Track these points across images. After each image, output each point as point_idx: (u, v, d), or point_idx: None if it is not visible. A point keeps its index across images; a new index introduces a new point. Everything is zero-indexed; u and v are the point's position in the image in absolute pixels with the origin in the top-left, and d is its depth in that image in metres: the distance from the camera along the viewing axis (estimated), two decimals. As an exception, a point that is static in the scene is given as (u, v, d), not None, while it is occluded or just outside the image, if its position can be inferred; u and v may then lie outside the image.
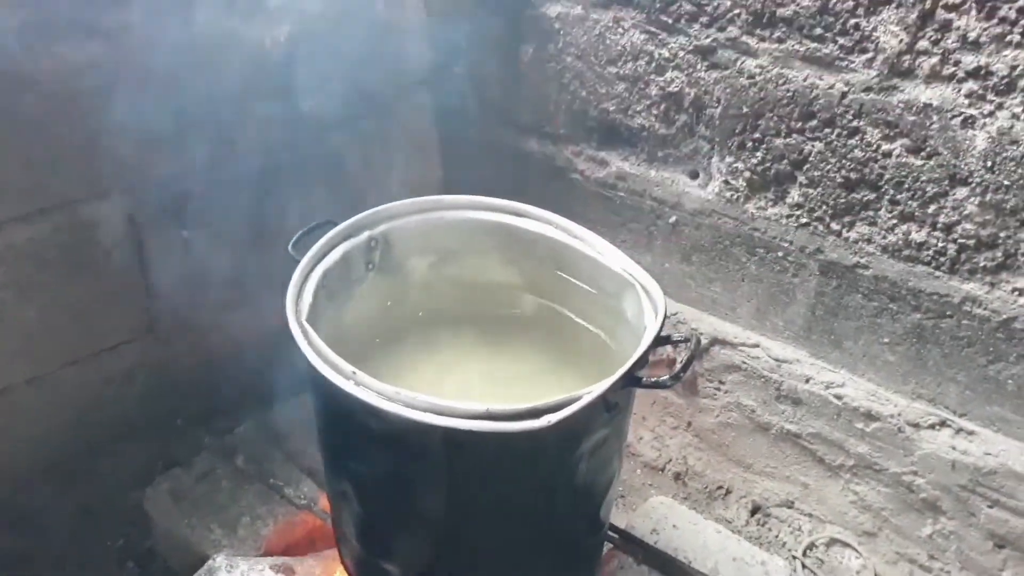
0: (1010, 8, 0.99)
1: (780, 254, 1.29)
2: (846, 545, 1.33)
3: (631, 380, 0.87)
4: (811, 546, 1.34)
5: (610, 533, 1.17)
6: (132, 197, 1.26)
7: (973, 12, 1.01)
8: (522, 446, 0.87)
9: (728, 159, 1.28)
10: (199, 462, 1.28)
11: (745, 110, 1.23)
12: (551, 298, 1.14)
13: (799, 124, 1.19)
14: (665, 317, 0.94)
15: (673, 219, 1.39)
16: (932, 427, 1.21)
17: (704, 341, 1.40)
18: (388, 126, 1.57)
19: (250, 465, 1.28)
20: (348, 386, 0.86)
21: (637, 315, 1.01)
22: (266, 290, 1.43)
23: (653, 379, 0.88)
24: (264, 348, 1.42)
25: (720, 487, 1.44)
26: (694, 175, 1.34)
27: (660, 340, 0.93)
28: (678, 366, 0.90)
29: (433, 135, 1.66)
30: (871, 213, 1.17)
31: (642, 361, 0.89)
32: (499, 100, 1.55)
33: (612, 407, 0.89)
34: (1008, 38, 1.00)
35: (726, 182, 1.30)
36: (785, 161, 1.22)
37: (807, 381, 1.31)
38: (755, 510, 1.40)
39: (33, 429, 1.27)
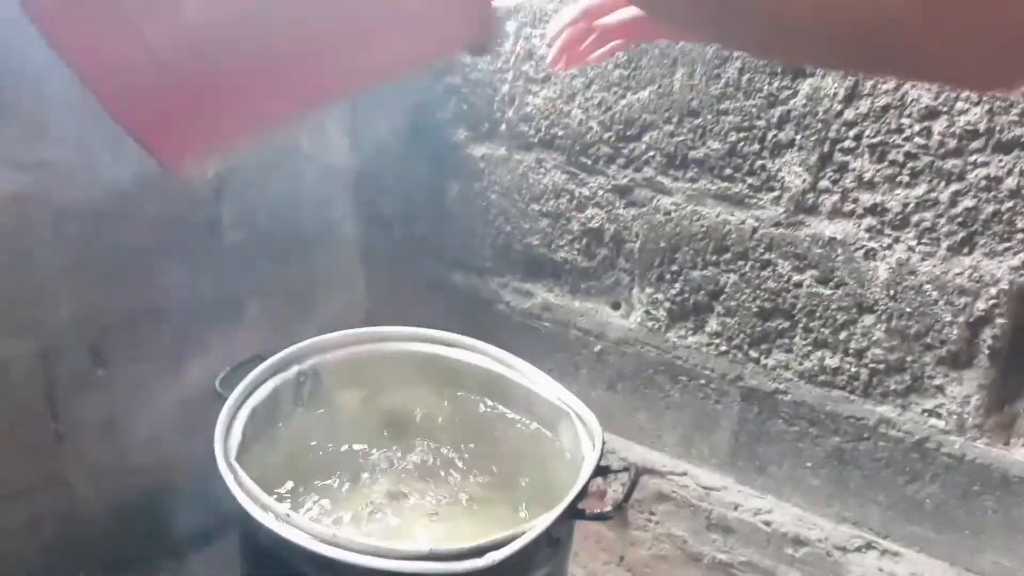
0: (898, 152, 1.08)
1: (702, 381, 1.33)
2: (784, 676, 1.31)
3: (574, 513, 0.87)
4: None
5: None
6: (47, 334, 1.22)
7: (866, 155, 1.11)
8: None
9: (648, 290, 1.33)
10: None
11: (663, 244, 1.29)
12: (485, 428, 1.14)
13: (714, 257, 1.25)
14: (603, 447, 0.95)
15: (598, 348, 1.42)
16: (859, 549, 1.23)
17: (632, 473, 1.40)
18: (314, 260, 1.58)
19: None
20: (282, 529, 0.82)
21: (573, 444, 1.02)
22: (185, 429, 1.39)
23: (596, 511, 0.87)
24: (181, 493, 1.36)
25: (655, 620, 1.41)
26: (616, 306, 1.39)
27: (599, 470, 0.94)
28: (610, 496, 0.90)
29: (359, 270, 1.67)
30: (787, 340, 1.23)
31: (583, 493, 0.89)
32: (425, 235, 1.59)
33: (555, 542, 0.88)
34: (898, 178, 1.10)
35: (647, 312, 1.35)
36: (702, 292, 1.28)
37: (736, 508, 1.32)
38: (691, 643, 1.38)
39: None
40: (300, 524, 0.82)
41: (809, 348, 1.21)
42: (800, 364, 1.23)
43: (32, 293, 1.17)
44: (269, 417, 1.03)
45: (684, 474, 1.38)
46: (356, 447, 1.13)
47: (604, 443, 0.98)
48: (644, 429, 1.41)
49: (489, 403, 1.11)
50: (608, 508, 0.88)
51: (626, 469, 0.96)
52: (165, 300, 1.34)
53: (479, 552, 0.80)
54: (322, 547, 0.80)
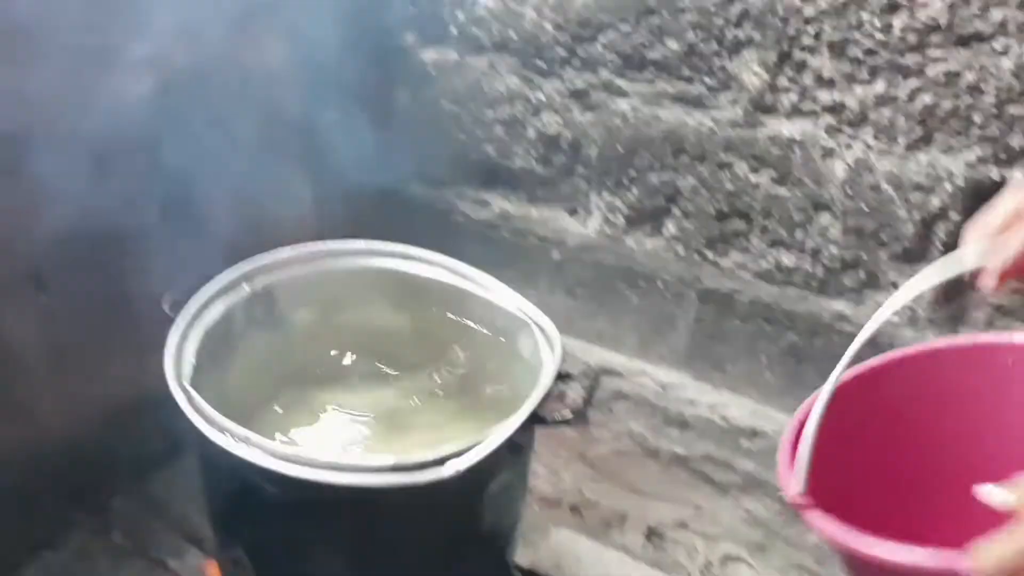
0: (857, 49, 1.06)
1: (660, 285, 1.33)
2: (740, 560, 1.36)
3: (535, 419, 0.88)
4: (707, 564, 1.37)
5: (515, 573, 1.16)
6: (-17, 260, 1.17)
7: (825, 53, 1.09)
8: (428, 496, 0.85)
9: (606, 196, 1.32)
10: (71, 541, 1.19)
11: (620, 149, 1.27)
12: (443, 340, 1.13)
13: (672, 160, 1.24)
14: (562, 354, 0.95)
15: (556, 256, 1.41)
16: (812, 441, 1.27)
17: (592, 375, 1.42)
18: (260, 175, 1.53)
19: (128, 540, 1.19)
20: (241, 450, 0.82)
21: (533, 353, 1.02)
22: (137, 352, 1.37)
23: (557, 417, 0.88)
24: (138, 413, 1.34)
25: (616, 514, 1.45)
26: (574, 212, 1.37)
27: (559, 376, 0.94)
28: (571, 399, 0.91)
29: (308, 181, 1.62)
30: (744, 241, 1.23)
31: (544, 399, 0.89)
32: (376, 145, 1.54)
33: (516, 448, 0.89)
34: (858, 76, 1.08)
35: (605, 218, 1.33)
36: (660, 196, 1.27)
37: (691, 403, 1.35)
38: (651, 534, 1.42)
39: None
40: (259, 444, 0.81)
41: (766, 248, 1.22)
42: (757, 264, 1.23)
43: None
44: (223, 339, 1.00)
45: (643, 373, 1.40)
46: (313, 366, 1.12)
47: (563, 350, 0.98)
48: (603, 333, 1.42)
49: (449, 316, 1.10)
50: (568, 414, 0.89)
51: (584, 374, 0.96)
52: (105, 221, 1.29)
53: (440, 462, 0.80)
54: (283, 465, 0.80)
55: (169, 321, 0.96)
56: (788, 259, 1.20)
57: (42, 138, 1.17)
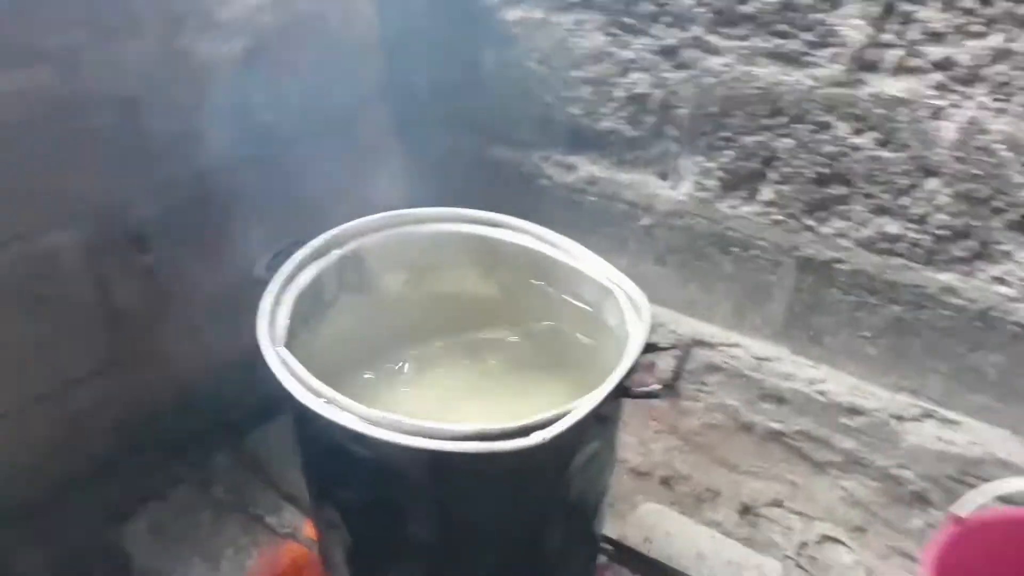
0: (971, -2, 0.99)
1: (755, 252, 1.28)
2: (837, 541, 1.32)
3: (621, 391, 0.86)
4: (803, 544, 1.33)
5: (603, 545, 1.16)
6: (91, 225, 1.21)
7: (934, 3, 1.01)
8: (513, 465, 0.84)
9: (698, 159, 1.28)
10: (177, 495, 1.24)
11: (713, 109, 1.23)
12: (530, 308, 1.12)
13: (768, 121, 1.19)
14: (651, 325, 0.93)
15: (646, 221, 1.38)
16: (916, 419, 1.21)
17: (684, 344, 1.39)
18: (349, 140, 1.54)
19: (229, 495, 1.24)
20: (331, 413, 0.83)
21: (620, 322, 0.99)
22: (233, 313, 1.41)
23: (644, 389, 0.86)
24: (236, 372, 1.38)
25: (708, 489, 1.42)
26: (664, 176, 1.33)
27: (648, 348, 0.92)
28: (663, 373, 0.89)
29: (395, 147, 1.63)
30: (845, 207, 1.17)
31: (631, 371, 0.87)
32: (460, 109, 1.53)
33: (603, 419, 0.87)
34: (970, 28, 1.00)
35: (697, 182, 1.29)
36: (756, 159, 1.22)
37: (789, 378, 1.30)
38: (744, 511, 1.39)
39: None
40: (348, 407, 0.82)
41: (869, 215, 1.16)
42: (859, 232, 1.17)
43: (72, 186, 1.17)
44: (314, 302, 1.02)
45: (736, 345, 1.36)
46: (402, 329, 1.12)
47: (652, 320, 0.95)
48: (695, 302, 1.39)
49: (535, 282, 1.09)
50: (656, 387, 0.87)
51: (674, 346, 0.93)
52: (202, 186, 1.33)
53: (525, 431, 0.80)
54: (371, 428, 0.81)
55: (263, 284, 0.98)
56: (892, 227, 1.14)
57: (142, 105, 1.21)
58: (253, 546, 1.17)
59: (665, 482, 1.47)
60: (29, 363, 1.20)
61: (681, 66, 1.23)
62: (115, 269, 1.26)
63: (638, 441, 1.50)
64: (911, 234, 1.13)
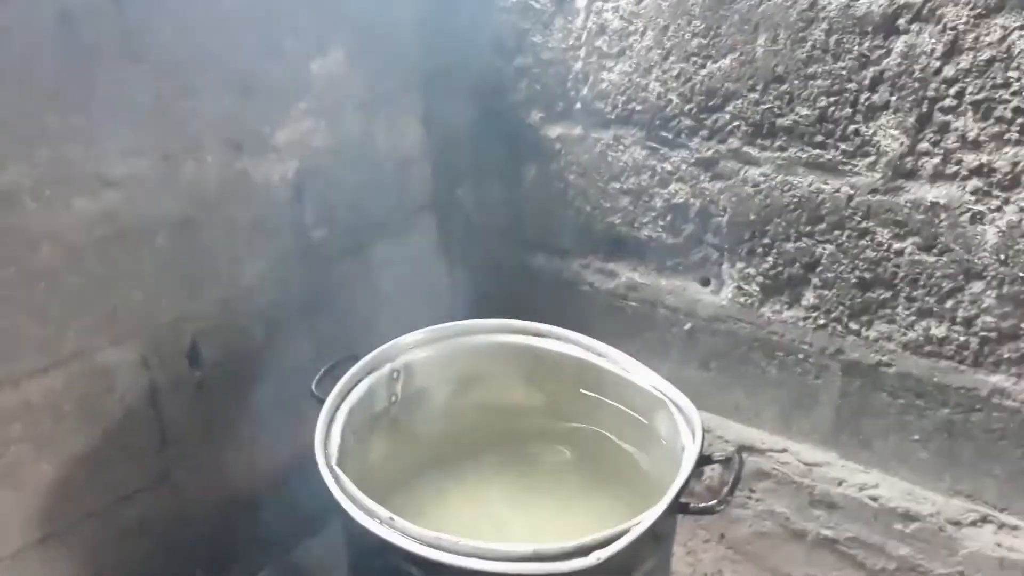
0: (1005, 108, 1.01)
1: (800, 356, 1.28)
2: (898, 653, 1.27)
3: (678, 507, 0.86)
4: (861, 657, 1.28)
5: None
6: (145, 341, 1.25)
7: (969, 113, 1.04)
8: (570, 583, 0.83)
9: (739, 265, 1.29)
10: (222, 613, 1.23)
11: (752, 217, 1.25)
12: (577, 418, 1.12)
13: (808, 228, 1.20)
14: (704, 437, 0.93)
15: (688, 326, 1.39)
16: (974, 524, 1.18)
17: (730, 450, 1.38)
18: (394, 252, 1.59)
19: (275, 612, 1.23)
20: (385, 533, 0.83)
21: (671, 433, 1.00)
22: (281, 427, 1.42)
23: (701, 505, 0.86)
24: (282, 486, 1.39)
25: (759, 599, 1.39)
26: (706, 282, 1.35)
27: (702, 460, 0.92)
28: (708, 477, 0.88)
29: (440, 258, 1.67)
30: (889, 311, 1.18)
31: (686, 485, 0.87)
32: (504, 219, 1.57)
33: (659, 537, 0.87)
34: (1006, 136, 1.03)
35: (739, 287, 1.31)
36: (797, 265, 1.23)
37: (840, 484, 1.28)
38: (798, 621, 1.35)
39: (47, 590, 1.22)
40: (403, 528, 0.83)
41: (913, 318, 1.16)
42: (904, 335, 1.17)
43: (129, 304, 1.21)
44: (365, 416, 1.04)
45: (784, 451, 1.34)
46: (451, 440, 1.13)
47: (705, 432, 0.95)
48: (740, 407, 1.38)
49: (582, 392, 1.10)
50: (714, 504, 0.86)
51: (729, 459, 0.93)
52: (255, 302, 1.37)
53: (584, 551, 0.79)
54: (426, 550, 0.81)
55: (313, 398, 1.00)
56: (939, 329, 1.14)
57: (200, 225, 1.26)
58: (301, 665, 1.15)
59: (716, 593, 1.43)
60: (82, 479, 1.21)
61: (719, 177, 1.27)
62: (167, 384, 1.29)
63: (686, 551, 1.47)
64: (958, 336, 1.13)
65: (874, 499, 1.25)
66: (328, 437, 0.95)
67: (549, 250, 1.53)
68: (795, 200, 1.20)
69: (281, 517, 1.34)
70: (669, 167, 1.31)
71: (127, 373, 1.24)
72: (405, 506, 1.07)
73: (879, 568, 1.28)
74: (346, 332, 1.45)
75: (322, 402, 0.99)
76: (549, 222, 1.50)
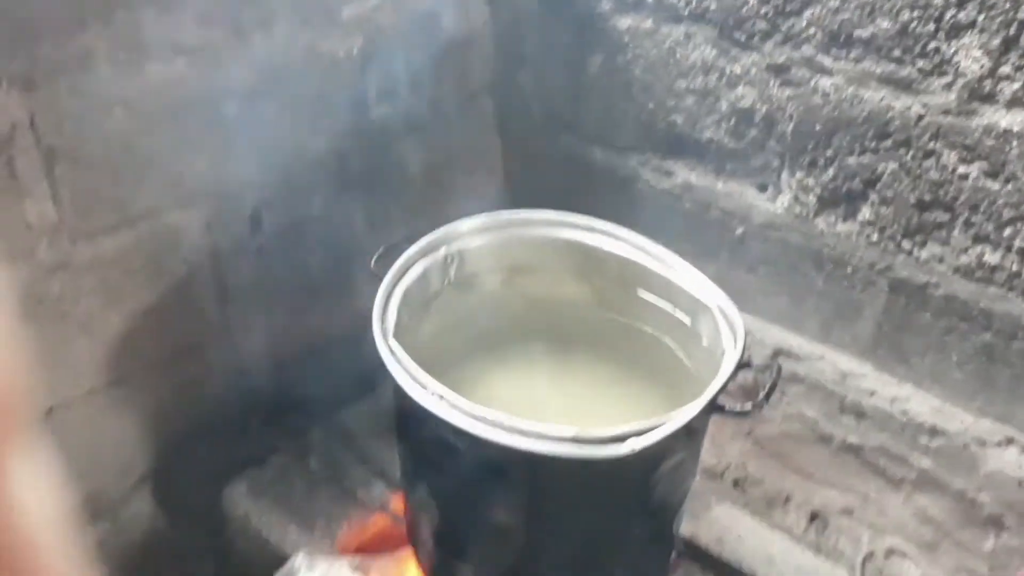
0: (1097, 35, 0.98)
1: (849, 270, 1.29)
2: (905, 556, 1.34)
3: (713, 408, 0.90)
4: (869, 555, 1.35)
5: (678, 543, 1.20)
6: (210, 206, 1.30)
7: (1059, 38, 1.01)
8: (603, 468, 0.89)
9: (799, 175, 1.29)
10: (274, 463, 1.32)
11: (818, 128, 1.23)
12: (623, 314, 1.16)
13: (873, 144, 1.19)
14: (745, 342, 0.96)
15: (740, 231, 1.40)
16: (999, 444, 1.22)
17: (768, 353, 1.41)
18: (452, 134, 1.60)
19: (323, 467, 1.32)
20: (435, 407, 0.88)
21: (713, 336, 1.03)
22: (335, 295, 1.48)
23: (736, 408, 0.90)
24: (333, 351, 1.46)
25: (780, 494, 1.45)
26: (763, 188, 1.35)
27: (741, 365, 0.95)
28: (742, 381, 0.92)
29: (496, 143, 1.67)
30: (944, 233, 1.17)
31: (723, 388, 0.91)
32: (563, 109, 1.56)
33: (692, 432, 0.91)
34: (1094, 65, 1.00)
35: (795, 197, 1.31)
36: (857, 179, 1.23)
37: (872, 395, 1.32)
38: (814, 517, 1.42)
39: (112, 429, 1.32)
40: (453, 402, 0.88)
41: (968, 243, 1.16)
42: (956, 258, 1.18)
43: (196, 170, 1.25)
44: (419, 297, 1.08)
45: (821, 358, 1.37)
46: (499, 325, 1.18)
47: (747, 337, 0.98)
48: (783, 312, 1.40)
49: (629, 290, 1.12)
50: (748, 406, 0.90)
51: (768, 366, 0.96)
52: (316, 174, 1.40)
53: (620, 439, 0.84)
54: (473, 424, 0.86)
55: (371, 275, 1.04)
56: (992, 256, 1.14)
57: (266, 97, 1.28)
58: (343, 516, 1.25)
59: (737, 484, 1.50)
60: (150, 330, 1.29)
61: (789, 84, 1.24)
62: (229, 247, 1.35)
63: (713, 443, 1.52)
64: (1012, 265, 1.13)
65: (904, 412, 1.29)
66: (385, 313, 1.00)
67: (607, 144, 1.52)
68: (864, 114, 1.18)
69: (332, 379, 1.41)
70: (739, 70, 1.29)
71: (192, 235, 1.29)
72: (453, 382, 1.13)
73: (899, 477, 1.33)
74: (402, 210, 1.49)
75: (380, 279, 1.03)
76: (610, 116, 1.49)
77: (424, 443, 0.99)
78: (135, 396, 1.32)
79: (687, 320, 1.08)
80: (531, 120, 1.61)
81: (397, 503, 1.26)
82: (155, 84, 1.16)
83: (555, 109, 1.58)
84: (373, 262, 1.07)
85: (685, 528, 1.24)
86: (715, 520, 1.27)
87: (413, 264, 1.08)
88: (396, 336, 0.98)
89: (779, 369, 0.95)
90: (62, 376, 1.22)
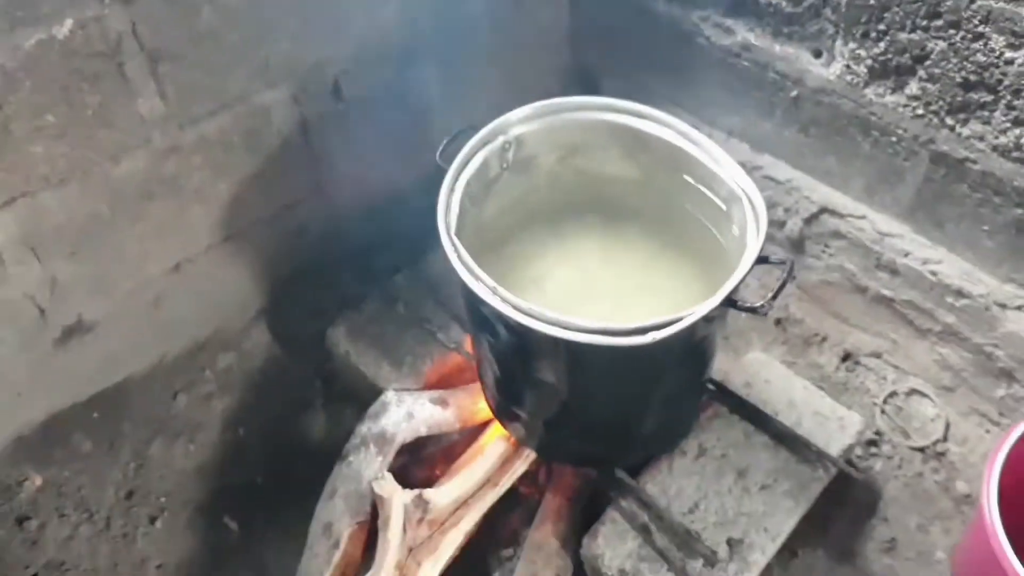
0: None
1: (894, 139, 1.34)
2: (924, 396, 1.49)
3: (728, 303, 1.03)
4: (892, 394, 1.50)
5: (709, 386, 1.38)
6: (295, 82, 1.42)
7: (1120, -72, 0.98)
8: (632, 352, 1.04)
9: (852, 45, 1.30)
10: (367, 307, 1.53)
11: (872, 1, 1.24)
12: (667, 193, 1.26)
13: (924, 22, 1.19)
14: (765, 237, 1.06)
15: (795, 93, 1.43)
16: (1019, 308, 1.31)
17: (815, 208, 1.50)
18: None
19: (408, 311, 1.52)
20: (489, 297, 1.04)
21: (742, 225, 1.13)
22: (415, 149, 1.62)
23: (748, 305, 1.02)
24: (415, 200, 1.62)
25: (816, 334, 1.60)
26: (818, 54, 1.37)
27: (759, 260, 1.06)
28: (769, 294, 1.03)
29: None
30: (986, 114, 1.20)
31: (740, 283, 1.03)
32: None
33: (710, 320, 1.05)
34: None
35: (847, 66, 1.33)
36: (907, 55, 1.24)
37: (906, 255, 1.41)
38: (846, 357, 1.56)
39: (230, 276, 1.55)
40: (504, 296, 1.03)
41: (1008, 125, 1.19)
42: (996, 138, 1.21)
43: (279, 52, 1.36)
44: (480, 183, 1.20)
45: (863, 217, 1.45)
46: (555, 202, 1.30)
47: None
48: (831, 172, 1.47)
49: (673, 172, 1.21)
50: (760, 304, 1.02)
51: (783, 261, 1.07)
52: (389, 43, 1.49)
53: (643, 331, 0.99)
54: (519, 315, 1.02)
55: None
56: (1030, 139, 1.17)
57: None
58: (427, 354, 1.46)
59: (779, 323, 1.64)
60: (253, 194, 1.48)
61: (846, -46, 1.23)
62: (315, 117, 1.48)
63: (760, 284, 1.65)
64: (1047, 149, 1.17)
65: (934, 273, 1.38)
66: (448, 207, 1.13)
67: (670, -3, 1.54)
68: (918, -8, 1.18)
69: (414, 224, 1.58)
70: (798, -66, 1.28)
71: (281, 110, 1.43)
72: (513, 255, 1.29)
73: (925, 328, 1.45)
74: (473, 65, 1.57)
75: (445, 171, 1.16)
76: (673, -31, 1.50)
77: (481, 318, 1.17)
78: (246, 248, 1.53)
79: (723, 206, 1.17)
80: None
81: (470, 344, 1.46)
82: (236, -20, 1.26)
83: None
84: (438, 155, 1.19)
85: (719, 371, 1.41)
86: (747, 365, 1.43)
87: (474, 155, 1.20)
88: (460, 225, 1.12)
89: (791, 267, 1.06)
90: (184, 237, 1.44)
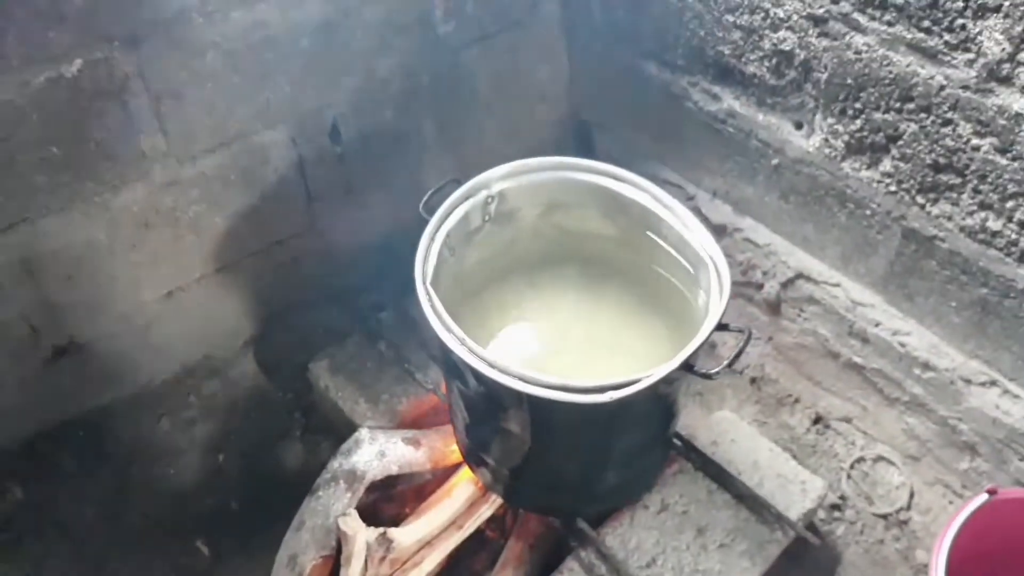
0: (1117, 34, 0.99)
1: (868, 212, 1.38)
2: (891, 463, 1.51)
3: (686, 367, 1.06)
4: (860, 459, 1.53)
5: (676, 442, 1.40)
6: (294, 123, 1.48)
7: (1080, 31, 1.02)
8: (592, 408, 1.08)
9: (830, 120, 1.35)
10: (350, 343, 1.57)
11: (849, 81, 1.28)
12: (641, 253, 1.30)
13: (897, 104, 1.24)
14: (727, 305, 1.10)
15: (776, 161, 1.48)
16: (983, 385, 1.34)
17: (791, 273, 1.53)
18: (519, 37, 1.68)
19: (390, 349, 1.56)
20: (457, 347, 1.08)
21: (707, 288, 1.17)
22: (408, 193, 1.66)
23: (703, 371, 1.06)
24: (405, 242, 1.66)
25: (790, 395, 1.62)
26: (799, 125, 1.41)
27: (720, 327, 1.10)
28: (724, 362, 1.07)
29: (561, 44, 1.75)
30: (955, 195, 1.24)
31: (698, 350, 1.06)
32: (623, 21, 1.62)
33: (669, 382, 1.09)
34: (1112, 59, 1.01)
35: (826, 139, 1.37)
36: (881, 134, 1.28)
37: (877, 325, 1.44)
38: (817, 420, 1.59)
39: (221, 305, 1.59)
40: (473, 349, 1.07)
41: (975, 208, 1.23)
42: (963, 219, 1.25)
43: (280, 95, 1.42)
44: (461, 234, 1.24)
45: (838, 285, 1.49)
46: (534, 255, 1.34)
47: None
48: (809, 239, 1.51)
49: (647, 234, 1.26)
50: (716, 370, 1.06)
51: (741, 330, 1.10)
52: (387, 90, 1.55)
53: (602, 390, 1.02)
54: (486, 368, 1.06)
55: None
56: (995, 223, 1.21)
57: (338, 27, 1.42)
58: (403, 394, 1.50)
59: (754, 382, 1.67)
60: (247, 228, 1.53)
61: (826, 35, 1.28)
62: (312, 157, 1.54)
63: (737, 342, 1.68)
64: (1011, 234, 1.20)
65: (903, 344, 1.41)
66: (427, 257, 1.18)
67: (662, 62, 1.59)
68: (891, 76, 1.22)
69: (401, 268, 1.63)
70: (782, 14, 1.32)
71: (279, 149, 1.49)
72: (490, 304, 1.33)
73: (894, 397, 1.47)
74: (469, 114, 1.62)
75: (427, 222, 1.21)
76: (664, 36, 1.55)
77: (451, 365, 1.20)
78: (238, 279, 1.58)
79: (691, 270, 1.21)
80: (594, 28, 1.67)
81: (444, 387, 1.50)
82: (240, 28, 1.31)
83: (617, 20, 1.63)
84: (422, 206, 1.24)
85: (687, 428, 1.45)
86: (715, 423, 1.46)
87: (457, 207, 1.24)
88: (439, 269, 1.17)
89: (749, 334, 1.10)
90: (178, 266, 1.49)
